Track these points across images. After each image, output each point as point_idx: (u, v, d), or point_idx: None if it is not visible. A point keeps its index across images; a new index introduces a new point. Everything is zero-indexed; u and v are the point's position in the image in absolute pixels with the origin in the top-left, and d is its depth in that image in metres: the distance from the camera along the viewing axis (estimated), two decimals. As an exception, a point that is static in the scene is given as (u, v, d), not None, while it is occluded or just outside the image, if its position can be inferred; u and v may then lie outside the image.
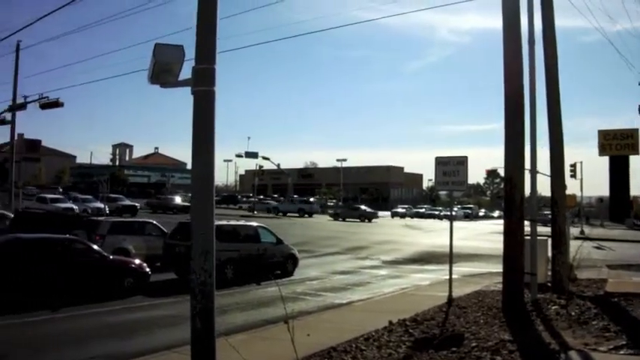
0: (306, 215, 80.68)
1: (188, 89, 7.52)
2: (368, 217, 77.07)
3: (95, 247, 19.24)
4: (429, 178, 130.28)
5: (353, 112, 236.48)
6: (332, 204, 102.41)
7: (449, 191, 18.04)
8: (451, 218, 17.17)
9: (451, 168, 16.59)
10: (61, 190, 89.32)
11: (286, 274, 24.15)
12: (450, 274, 16.36)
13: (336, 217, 78.81)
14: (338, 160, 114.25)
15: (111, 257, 19.05)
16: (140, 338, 13.10)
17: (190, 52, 7.49)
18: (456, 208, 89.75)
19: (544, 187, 22.28)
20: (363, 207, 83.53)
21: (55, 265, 16.95)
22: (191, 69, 7.47)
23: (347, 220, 75.65)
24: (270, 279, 20.59)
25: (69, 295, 16.74)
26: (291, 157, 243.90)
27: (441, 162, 16.82)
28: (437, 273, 24.88)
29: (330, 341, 11.45)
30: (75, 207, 52.66)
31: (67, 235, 20.46)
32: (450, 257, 16.49)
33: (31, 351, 11.83)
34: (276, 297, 13.06)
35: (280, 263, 24.37)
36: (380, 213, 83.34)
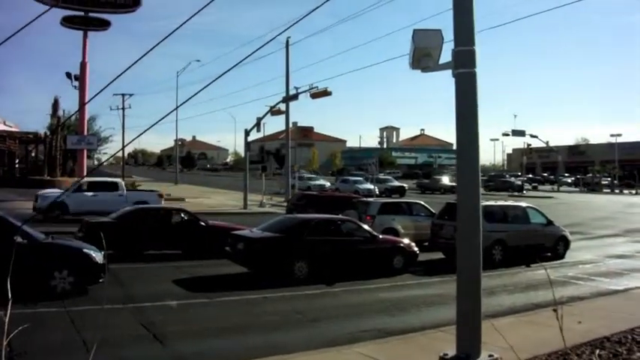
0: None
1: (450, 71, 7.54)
2: None
3: (366, 226, 19.98)
4: None
5: (628, 84, 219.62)
6: (606, 182, 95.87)
7: None
8: None
9: None
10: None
11: (557, 256, 23.11)
12: None
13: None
14: (612, 136, 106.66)
15: (380, 237, 19.67)
16: (408, 315, 13.46)
17: (449, 35, 7.50)
18: None
19: None
20: None
21: (330, 243, 17.98)
22: (451, 52, 7.47)
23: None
24: (540, 261, 19.87)
25: (342, 271, 17.70)
26: (560, 134, 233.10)
27: None
28: None
29: (603, 330, 10.81)
30: (374, 187, 55.00)
31: (340, 216, 21.58)
32: None
33: (308, 320, 12.79)
34: (545, 280, 12.64)
35: (551, 245, 23.40)
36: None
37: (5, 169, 59.87)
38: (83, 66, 44.94)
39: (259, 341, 11.02)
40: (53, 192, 33.18)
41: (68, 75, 46.44)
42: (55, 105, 55.20)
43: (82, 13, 43.96)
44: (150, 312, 12.83)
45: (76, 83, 45.23)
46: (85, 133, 47.70)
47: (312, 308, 13.87)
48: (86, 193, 31.03)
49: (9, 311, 2.99)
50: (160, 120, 4.26)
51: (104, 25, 45.21)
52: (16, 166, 62.78)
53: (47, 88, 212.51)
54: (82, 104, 42.08)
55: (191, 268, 18.44)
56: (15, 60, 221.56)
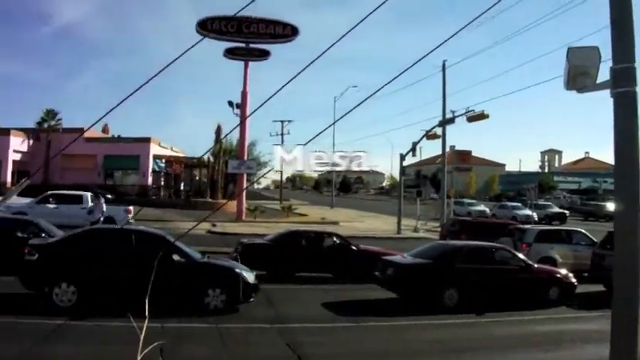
0: None
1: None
2: None
3: (520, 255, 19.16)
4: None
5: None
6: None
7: None
8: None
9: None
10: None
11: None
12: None
13: None
14: None
15: (535, 266, 18.79)
16: (561, 351, 12.75)
17: (606, 53, 7.05)
18: None
19: None
20: None
21: (482, 272, 17.36)
22: (609, 70, 7.02)
23: None
24: None
25: (494, 301, 17.06)
26: None
27: None
28: None
29: None
30: (532, 213, 53.28)
31: (493, 243, 20.86)
32: None
33: (453, 351, 12.41)
34: None
35: None
36: None
37: (171, 192, 63.40)
38: (244, 95, 46.69)
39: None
40: (15, 203, 32.89)
41: (230, 103, 48.37)
42: (218, 132, 57.85)
43: (243, 45, 45.83)
44: (297, 333, 12.95)
45: (238, 111, 47.05)
46: (245, 158, 49.37)
47: (459, 338, 13.47)
48: (49, 205, 30.96)
49: (145, 326, 3.03)
50: (309, 140, 4.28)
51: (264, 55, 46.78)
52: (182, 188, 66.29)
53: (211, 116, 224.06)
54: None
55: (340, 292, 18.51)
56: (184, 91, 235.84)
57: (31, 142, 60.30)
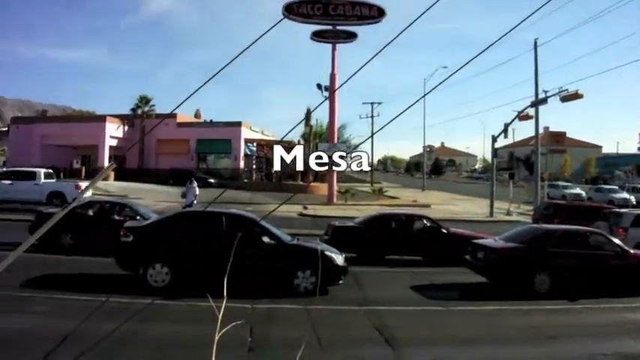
0: None
1: None
2: None
3: (616, 240, 18.45)
4: None
5: None
6: None
7: None
8: None
9: None
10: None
11: None
12: None
13: None
14: None
15: (632, 252, 18.02)
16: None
17: None
18: None
19: None
20: None
21: (575, 257, 16.82)
22: None
23: None
24: None
25: (587, 287, 16.51)
26: None
27: None
28: None
29: None
30: (630, 197, 51.54)
31: (588, 228, 20.21)
32: None
33: (545, 337, 12.05)
34: None
35: None
36: None
37: (263, 175, 64.43)
38: (332, 77, 46.74)
39: (490, 354, 10.72)
40: None
41: (319, 86, 48.52)
42: (308, 115, 58.27)
43: (330, 27, 45.84)
44: (385, 316, 12.97)
45: (327, 94, 47.09)
46: (335, 141, 49.53)
47: (550, 324, 13.09)
48: (4, 182, 32.14)
49: (223, 306, 3.16)
50: (391, 121, 4.30)
51: (351, 37, 46.50)
52: (273, 171, 67.24)
53: (301, 101, 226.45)
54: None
55: (429, 275, 18.43)
56: (275, 77, 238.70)
57: (126, 128, 62.33)
